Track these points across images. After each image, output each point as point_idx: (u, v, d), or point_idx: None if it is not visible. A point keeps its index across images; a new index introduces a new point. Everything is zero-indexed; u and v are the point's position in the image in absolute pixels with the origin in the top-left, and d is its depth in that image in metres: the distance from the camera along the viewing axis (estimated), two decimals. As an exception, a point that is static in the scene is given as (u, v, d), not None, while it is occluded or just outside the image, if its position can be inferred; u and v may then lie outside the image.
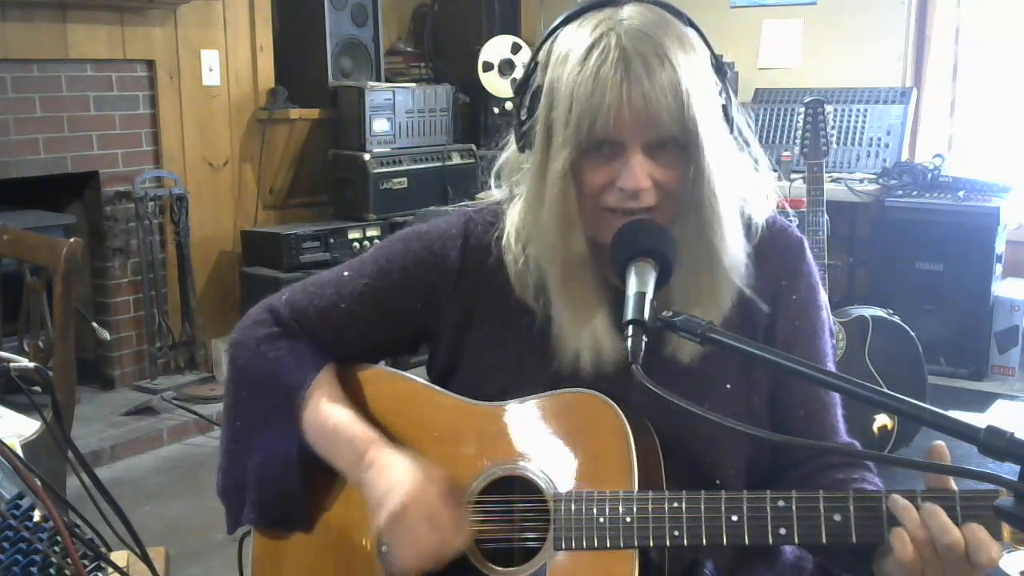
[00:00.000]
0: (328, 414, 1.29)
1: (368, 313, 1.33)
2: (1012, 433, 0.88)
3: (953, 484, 1.04)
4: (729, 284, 1.20)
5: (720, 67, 1.19)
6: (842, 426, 1.30)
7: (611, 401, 1.17)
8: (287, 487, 1.31)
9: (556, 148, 1.15)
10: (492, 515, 1.22)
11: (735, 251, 1.19)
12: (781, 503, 1.08)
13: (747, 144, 1.25)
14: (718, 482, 1.22)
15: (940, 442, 1.03)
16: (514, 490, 1.23)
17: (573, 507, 1.16)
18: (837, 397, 1.30)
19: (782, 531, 1.07)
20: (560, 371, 1.24)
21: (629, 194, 1.14)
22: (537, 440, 1.22)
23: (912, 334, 3.43)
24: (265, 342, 1.33)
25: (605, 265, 1.20)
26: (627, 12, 1.15)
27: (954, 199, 4.32)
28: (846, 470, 1.26)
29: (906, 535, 1.02)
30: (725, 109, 1.19)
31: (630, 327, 1.02)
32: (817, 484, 1.20)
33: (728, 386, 1.26)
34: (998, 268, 4.39)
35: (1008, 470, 0.90)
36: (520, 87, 1.22)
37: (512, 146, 1.28)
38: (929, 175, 4.45)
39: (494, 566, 1.21)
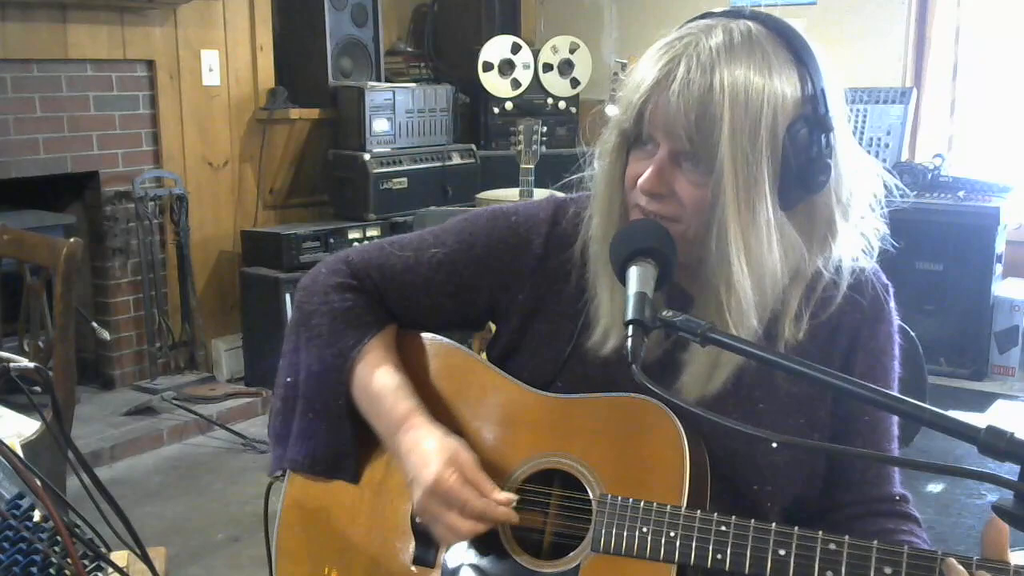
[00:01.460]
0: (375, 377, 1.29)
1: (442, 282, 1.33)
2: (1012, 433, 0.88)
3: (1009, 555, 1.03)
4: (739, 326, 1.13)
5: (818, 120, 1.12)
6: (898, 477, 1.29)
7: (672, 413, 1.16)
8: (336, 437, 1.31)
9: (613, 125, 1.18)
10: (531, 504, 1.22)
11: (745, 295, 1.12)
12: (832, 546, 1.05)
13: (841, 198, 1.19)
14: (759, 512, 1.20)
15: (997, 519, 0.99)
16: (558, 484, 1.23)
17: (618, 511, 1.15)
18: (896, 449, 1.29)
19: (829, 574, 1.05)
20: (609, 365, 1.22)
21: (646, 194, 1.14)
22: (590, 438, 1.21)
23: (912, 334, 3.42)
24: (335, 291, 1.33)
25: None
26: (730, 24, 1.13)
27: (954, 199, 4.32)
28: (895, 520, 1.25)
29: None
30: (796, 158, 1.10)
31: (630, 327, 1.02)
32: (863, 530, 1.18)
33: (802, 420, 1.23)
34: (998, 268, 4.38)
35: (1008, 470, 0.90)
36: None
37: None
38: (929, 175, 4.45)
39: (526, 555, 1.21)
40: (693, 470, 1.14)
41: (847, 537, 1.05)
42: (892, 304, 1.29)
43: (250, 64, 4.62)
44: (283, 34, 4.78)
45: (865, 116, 4.75)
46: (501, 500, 1.18)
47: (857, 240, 1.23)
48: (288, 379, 1.36)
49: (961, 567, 1.01)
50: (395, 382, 1.29)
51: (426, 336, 1.36)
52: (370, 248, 1.38)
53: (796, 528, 1.07)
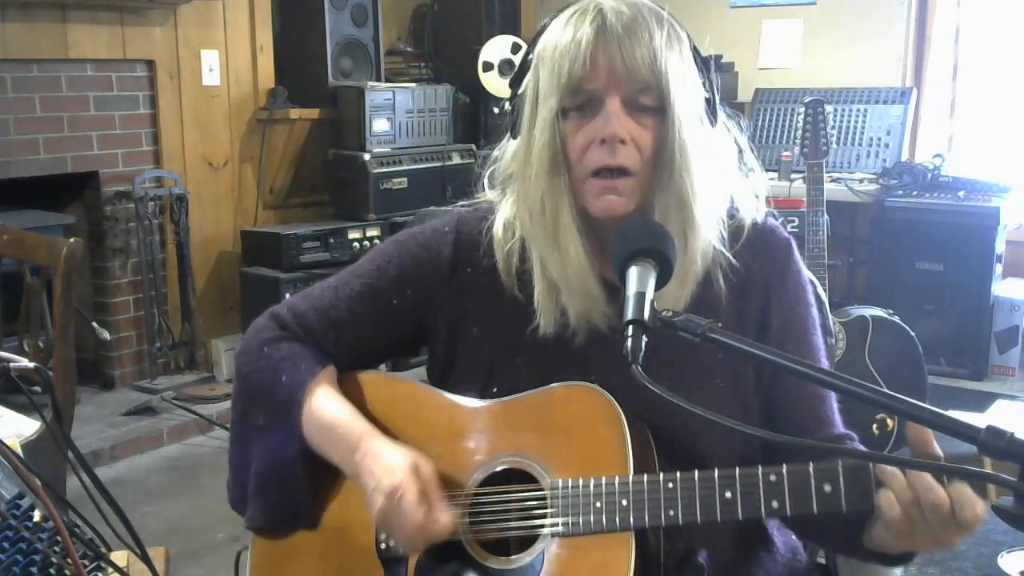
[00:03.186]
0: (325, 409, 1.31)
1: (367, 311, 1.36)
2: (1012, 433, 0.88)
3: (938, 449, 1.06)
4: (696, 264, 1.23)
5: (705, 63, 1.24)
6: (838, 418, 1.31)
7: (606, 392, 1.19)
8: (290, 488, 1.32)
9: (543, 100, 1.21)
10: (490, 507, 1.24)
11: (707, 230, 1.22)
12: (773, 477, 1.09)
13: (740, 149, 1.29)
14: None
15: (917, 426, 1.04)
16: (513, 483, 1.24)
17: (571, 494, 1.17)
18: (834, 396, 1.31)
19: (774, 504, 1.09)
20: (548, 356, 1.27)
21: (608, 147, 1.18)
22: (534, 433, 1.24)
23: (912, 334, 3.43)
24: (269, 345, 1.36)
25: (594, 240, 1.24)
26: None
27: (954, 199, 4.32)
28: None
29: (893, 496, 1.04)
30: (708, 100, 1.23)
31: (630, 327, 1.02)
32: None
33: (719, 380, 1.27)
34: (998, 268, 4.39)
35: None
36: (514, 80, 1.29)
37: (506, 147, 1.32)
38: (929, 175, 4.45)
39: (492, 556, 1.22)
40: (635, 442, 1.16)
41: (784, 466, 1.09)
42: (796, 256, 1.34)
43: (250, 64, 4.62)
44: (283, 34, 4.78)
45: (865, 116, 4.75)
46: (443, 521, 1.20)
47: (746, 183, 1.31)
48: (237, 450, 1.39)
49: (894, 468, 1.04)
50: (345, 411, 1.31)
51: (363, 373, 1.38)
52: (294, 298, 1.42)
53: (737, 469, 1.11)
